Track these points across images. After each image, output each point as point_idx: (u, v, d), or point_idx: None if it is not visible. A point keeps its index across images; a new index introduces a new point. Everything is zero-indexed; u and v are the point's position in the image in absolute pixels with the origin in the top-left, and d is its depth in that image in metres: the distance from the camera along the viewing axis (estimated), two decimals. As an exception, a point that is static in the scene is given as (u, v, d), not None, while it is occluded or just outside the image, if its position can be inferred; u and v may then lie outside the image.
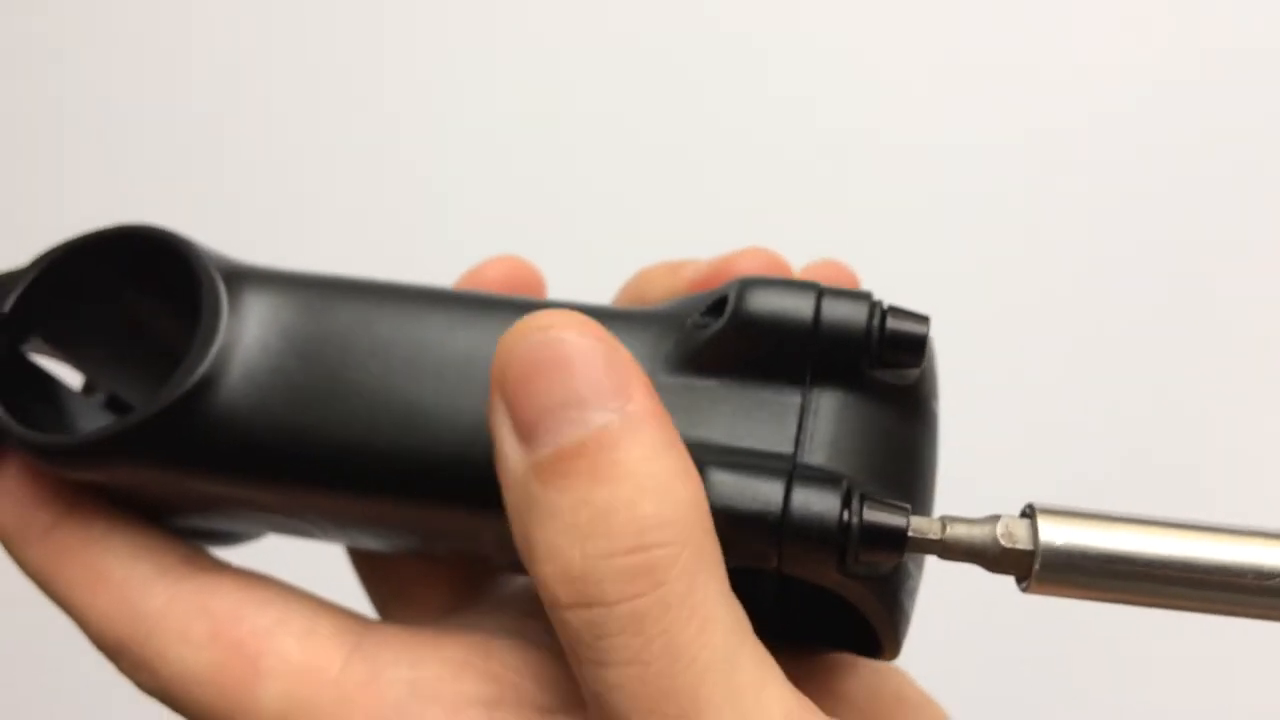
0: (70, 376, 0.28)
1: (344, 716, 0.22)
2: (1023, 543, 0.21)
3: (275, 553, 0.29)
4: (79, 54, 0.64)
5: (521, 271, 0.29)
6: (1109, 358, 0.58)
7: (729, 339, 0.23)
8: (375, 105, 0.63)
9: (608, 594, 0.19)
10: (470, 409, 0.23)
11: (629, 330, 0.24)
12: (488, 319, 0.24)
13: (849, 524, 0.21)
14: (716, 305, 0.24)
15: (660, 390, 0.22)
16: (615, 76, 0.61)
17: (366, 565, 0.29)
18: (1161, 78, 0.59)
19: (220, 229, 0.31)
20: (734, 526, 0.21)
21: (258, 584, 0.25)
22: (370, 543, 0.26)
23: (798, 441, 0.23)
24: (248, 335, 0.24)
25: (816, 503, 0.21)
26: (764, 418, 0.23)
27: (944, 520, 0.22)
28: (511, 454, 0.20)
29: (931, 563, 0.24)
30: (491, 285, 0.29)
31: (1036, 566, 0.21)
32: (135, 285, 0.26)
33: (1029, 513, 0.21)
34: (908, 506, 0.22)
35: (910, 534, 0.21)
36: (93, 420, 0.27)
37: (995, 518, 0.21)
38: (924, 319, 0.23)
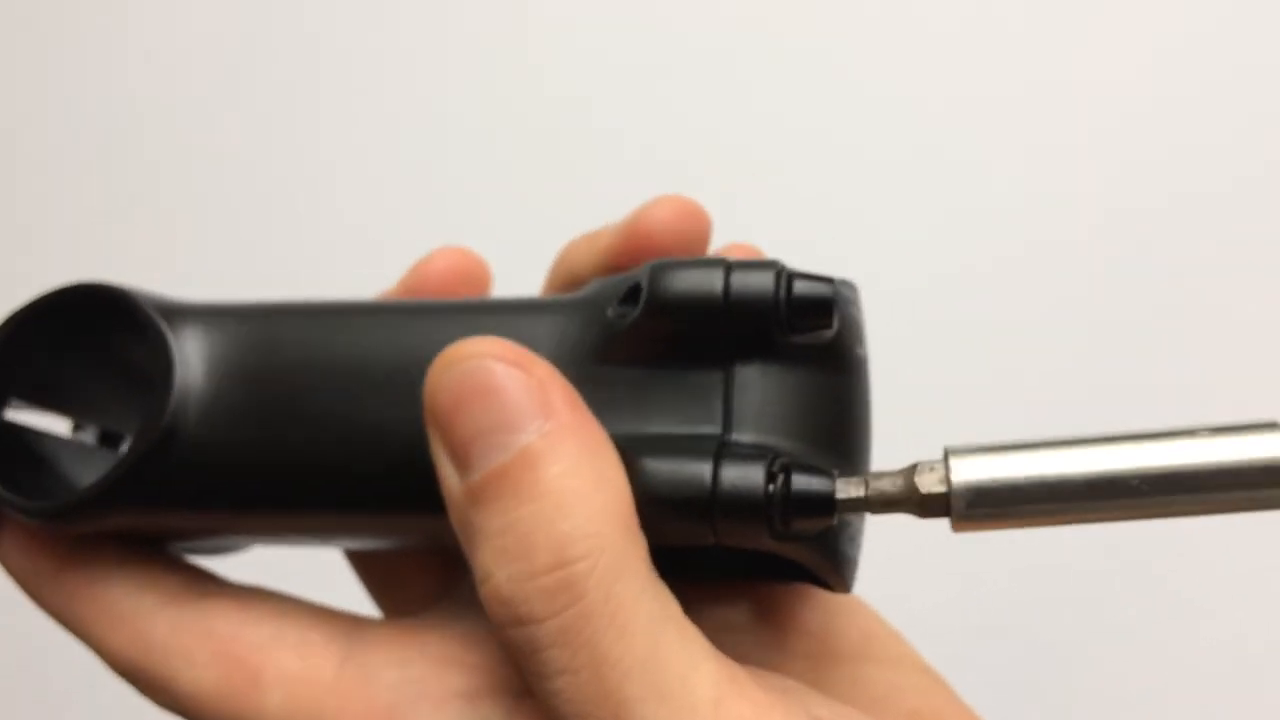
0: (57, 424, 0.29)
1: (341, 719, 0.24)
2: (939, 485, 0.22)
3: (273, 552, 0.31)
4: (79, 54, 0.64)
5: (466, 263, 0.30)
6: (1108, 357, 0.57)
7: (647, 325, 0.24)
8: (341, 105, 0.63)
9: (535, 612, 0.20)
10: (421, 418, 0.25)
11: (554, 326, 0.25)
12: (425, 326, 0.26)
13: (775, 494, 0.22)
14: (631, 293, 0.24)
15: (588, 384, 0.23)
16: (584, 71, 0.61)
17: (359, 558, 0.31)
18: (1161, 88, 0.57)
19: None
20: (669, 511, 0.22)
21: (254, 600, 0.27)
22: (355, 546, 0.28)
23: (725, 419, 0.24)
24: (199, 375, 0.25)
25: (743, 477, 0.22)
26: (691, 399, 0.24)
27: (867, 477, 0.22)
28: (449, 479, 0.22)
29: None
30: (438, 276, 0.30)
31: (954, 505, 0.22)
32: (94, 331, 0.27)
33: (944, 456, 0.22)
34: (834, 472, 0.22)
35: (838, 496, 0.22)
36: (85, 464, 0.29)
37: (913, 466, 0.22)
38: (828, 280, 0.24)
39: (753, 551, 0.27)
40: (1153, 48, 0.58)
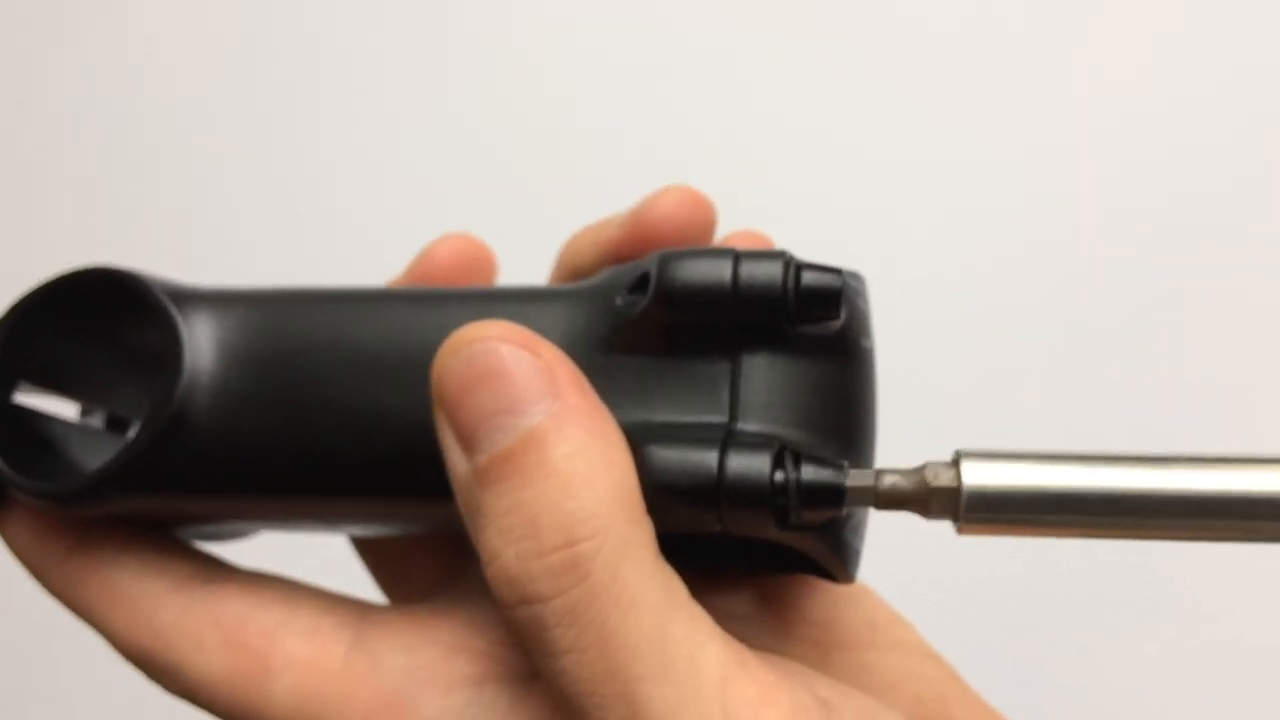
0: (66, 407, 0.29)
1: (349, 705, 0.24)
2: (949, 486, 0.22)
3: (281, 538, 0.31)
4: (79, 54, 0.64)
5: (472, 249, 0.31)
6: (1108, 357, 0.58)
7: (655, 314, 0.24)
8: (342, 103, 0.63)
9: (541, 591, 0.20)
10: (429, 404, 0.25)
11: (562, 314, 0.25)
12: (434, 313, 0.26)
13: (785, 484, 0.22)
14: (640, 282, 0.24)
15: (596, 372, 0.23)
16: (584, 70, 0.61)
17: (366, 545, 0.31)
18: (1161, 88, 0.58)
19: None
20: (675, 499, 0.22)
21: (263, 586, 0.27)
22: (363, 532, 0.28)
23: (732, 408, 0.24)
24: (208, 360, 0.25)
25: (749, 466, 0.22)
26: (698, 388, 0.24)
27: (878, 472, 0.23)
28: (456, 463, 0.22)
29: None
30: (443, 263, 0.30)
31: (962, 507, 0.22)
32: (103, 315, 0.27)
33: (955, 458, 0.22)
34: (844, 464, 0.23)
35: (848, 486, 0.22)
36: (94, 447, 0.29)
37: (924, 466, 0.22)
38: (836, 271, 0.24)
39: (757, 542, 0.27)
40: (1152, 48, 0.58)
